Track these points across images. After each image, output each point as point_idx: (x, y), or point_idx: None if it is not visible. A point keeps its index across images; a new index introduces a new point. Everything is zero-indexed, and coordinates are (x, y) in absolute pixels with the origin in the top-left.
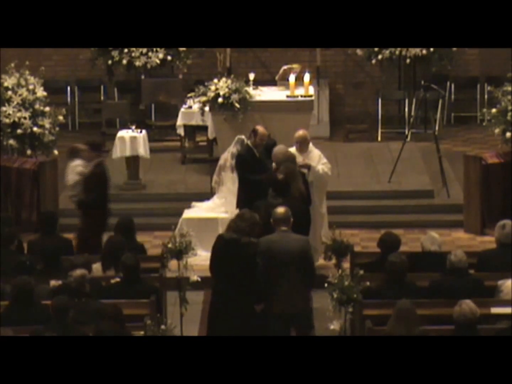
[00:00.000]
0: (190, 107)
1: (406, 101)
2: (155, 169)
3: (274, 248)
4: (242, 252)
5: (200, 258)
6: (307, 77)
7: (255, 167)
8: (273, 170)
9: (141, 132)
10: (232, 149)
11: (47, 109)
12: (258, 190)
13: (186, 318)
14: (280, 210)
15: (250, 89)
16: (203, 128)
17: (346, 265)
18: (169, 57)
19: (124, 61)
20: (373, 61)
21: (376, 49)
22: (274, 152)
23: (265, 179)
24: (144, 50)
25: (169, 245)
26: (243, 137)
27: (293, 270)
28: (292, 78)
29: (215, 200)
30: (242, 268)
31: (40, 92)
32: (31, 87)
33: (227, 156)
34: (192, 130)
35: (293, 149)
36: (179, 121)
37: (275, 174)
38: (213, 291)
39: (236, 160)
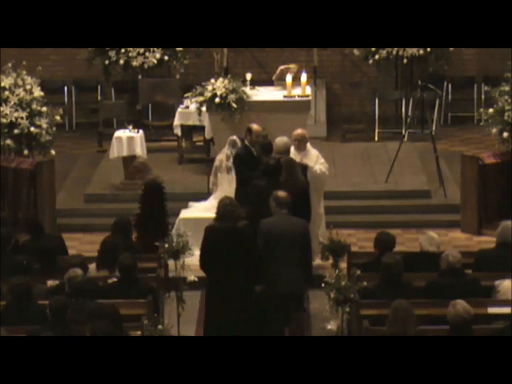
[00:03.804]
0: (187, 107)
1: (403, 101)
2: (152, 169)
3: (274, 230)
4: (240, 236)
5: (197, 258)
6: (304, 77)
7: (253, 166)
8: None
9: (138, 132)
10: (227, 150)
11: (44, 109)
12: None
13: (183, 318)
14: (282, 194)
15: (247, 89)
16: (200, 128)
17: (343, 265)
18: (166, 57)
19: (121, 61)
20: (370, 61)
21: (373, 49)
22: (276, 141)
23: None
24: (141, 50)
25: (166, 245)
26: (235, 137)
27: (292, 251)
28: (289, 78)
29: (212, 200)
30: (240, 253)
31: (37, 92)
32: (28, 87)
33: (222, 158)
34: (189, 130)
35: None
36: (176, 121)
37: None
38: (209, 283)
39: (234, 160)
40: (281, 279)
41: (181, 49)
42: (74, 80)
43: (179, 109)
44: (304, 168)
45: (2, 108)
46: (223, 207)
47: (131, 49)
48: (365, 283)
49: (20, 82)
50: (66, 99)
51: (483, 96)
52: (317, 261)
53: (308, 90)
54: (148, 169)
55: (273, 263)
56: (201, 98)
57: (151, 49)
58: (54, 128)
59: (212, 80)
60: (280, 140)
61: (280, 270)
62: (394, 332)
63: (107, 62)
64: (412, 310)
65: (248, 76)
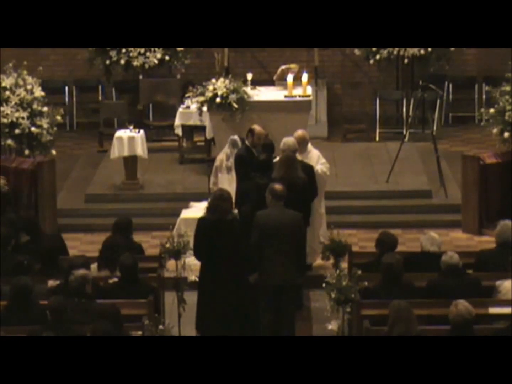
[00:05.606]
0: (188, 107)
1: (404, 101)
2: (153, 169)
3: (270, 222)
4: (229, 229)
5: None
6: (305, 77)
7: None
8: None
9: (139, 132)
10: (227, 150)
11: (45, 109)
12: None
13: (184, 318)
14: (278, 186)
15: (248, 89)
16: (201, 128)
17: (344, 265)
18: (167, 57)
19: (122, 61)
20: (371, 61)
21: (374, 49)
22: (284, 140)
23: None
24: (142, 50)
25: (167, 245)
26: (236, 137)
27: (287, 243)
28: (290, 78)
29: None
30: (229, 244)
31: (38, 92)
32: (29, 87)
33: (222, 157)
34: (190, 130)
35: None
36: (177, 121)
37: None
38: (202, 271)
39: (235, 161)
40: (275, 270)
41: (182, 49)
42: (75, 80)
43: (180, 109)
44: (311, 167)
45: (3, 108)
46: (212, 200)
47: (132, 49)
48: (366, 283)
49: (21, 82)
50: (67, 99)
51: (484, 96)
52: (318, 261)
53: (309, 90)
54: None
55: (268, 255)
56: (202, 98)
57: (152, 49)
58: (55, 128)
59: (213, 80)
60: (289, 139)
61: (275, 261)
62: (397, 332)
63: (108, 62)
64: (411, 308)
65: (249, 76)
